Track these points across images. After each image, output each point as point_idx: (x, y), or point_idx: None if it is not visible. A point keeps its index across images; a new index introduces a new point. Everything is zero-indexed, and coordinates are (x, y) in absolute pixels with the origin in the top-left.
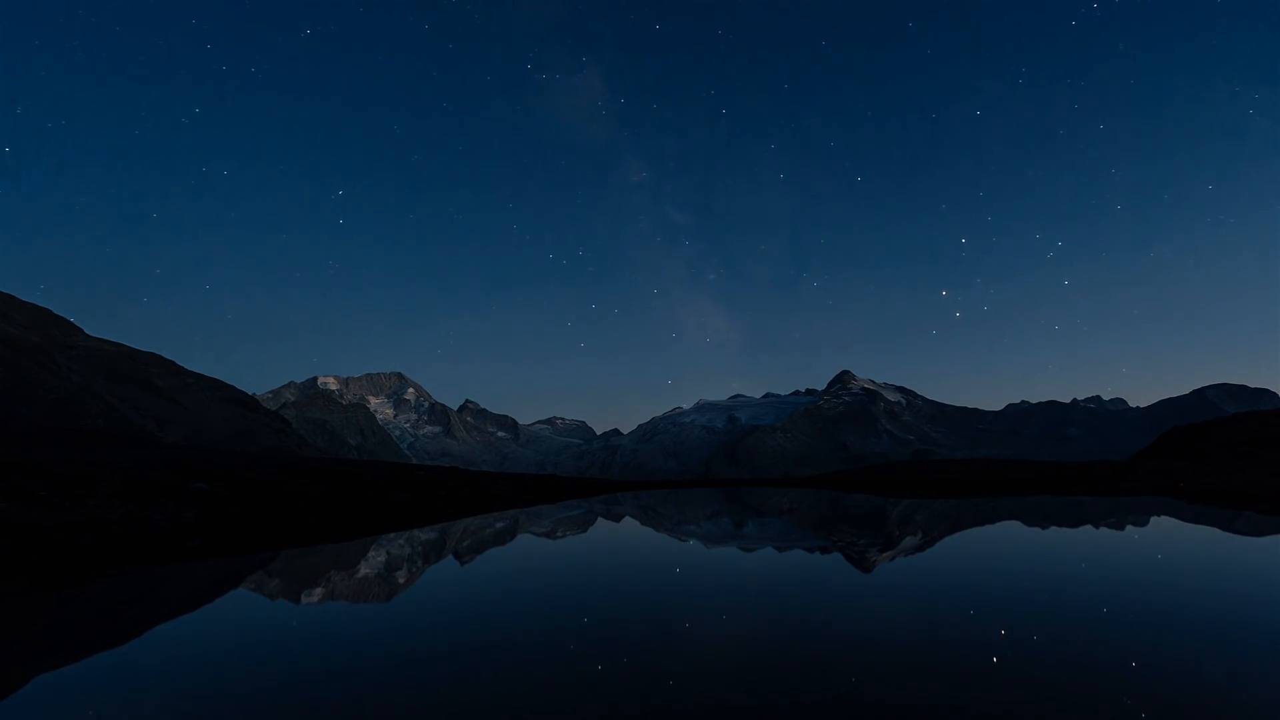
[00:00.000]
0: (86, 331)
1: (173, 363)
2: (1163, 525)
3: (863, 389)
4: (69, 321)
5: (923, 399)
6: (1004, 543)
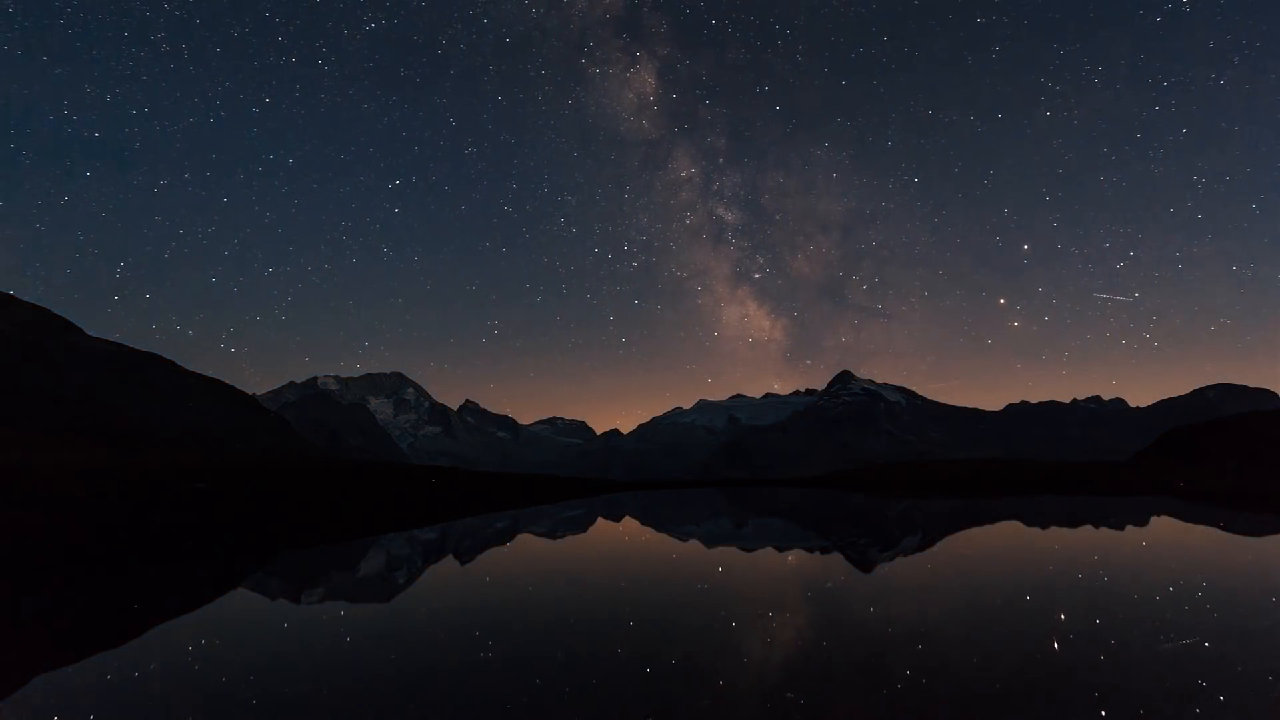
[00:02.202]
0: (87, 332)
1: (172, 363)
2: (1163, 526)
3: (863, 389)
4: (69, 321)
5: (923, 399)
6: (1005, 544)
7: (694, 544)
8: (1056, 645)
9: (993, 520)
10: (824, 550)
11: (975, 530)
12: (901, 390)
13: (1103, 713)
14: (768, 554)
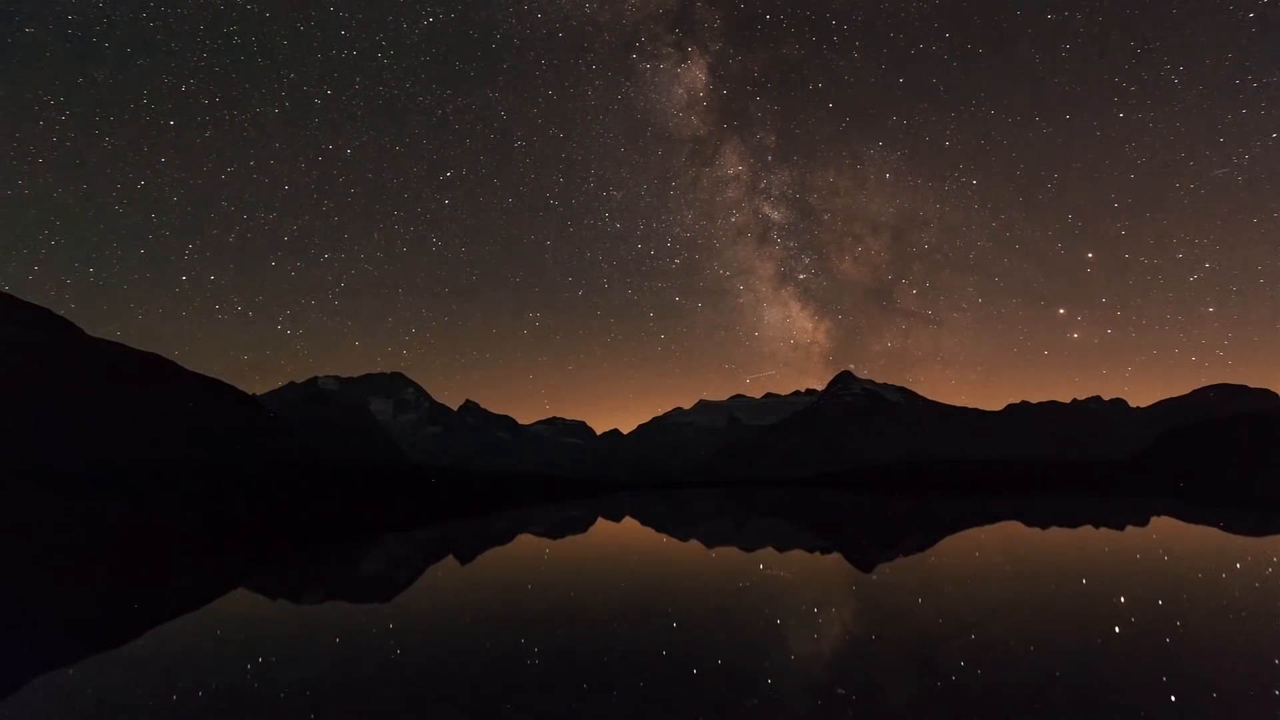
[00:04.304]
0: (87, 332)
1: (172, 362)
2: (1163, 526)
3: (863, 389)
4: (68, 321)
5: (923, 399)
6: (1006, 544)
7: (694, 544)
8: (1058, 647)
9: (993, 520)
10: (824, 551)
11: (976, 530)
12: (902, 390)
13: (1105, 713)
14: (768, 554)
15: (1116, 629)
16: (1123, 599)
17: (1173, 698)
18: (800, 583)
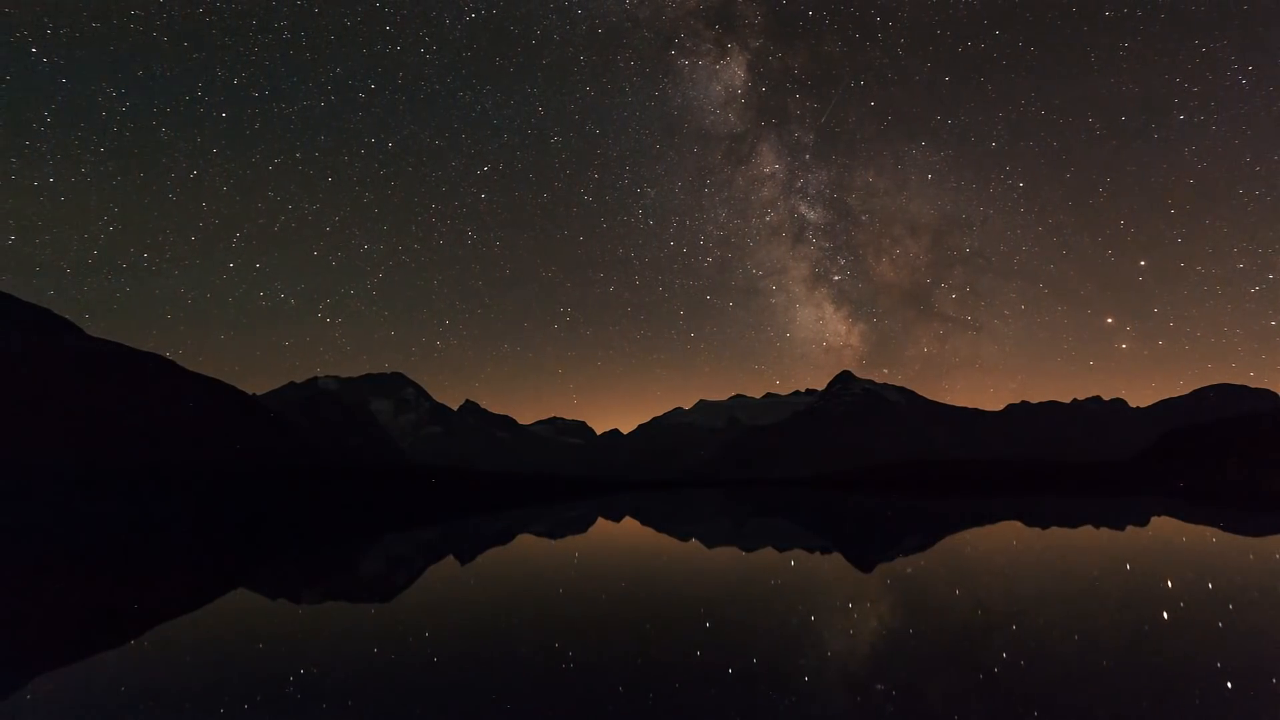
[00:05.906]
0: (87, 333)
1: (173, 363)
2: (1163, 526)
3: (863, 389)
4: (69, 322)
5: (923, 399)
6: (1006, 543)
7: (694, 544)
8: (1058, 646)
9: (994, 520)
10: (824, 551)
11: (976, 530)
12: (902, 390)
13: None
14: (768, 554)
15: (1117, 630)
16: (1123, 600)
17: (1173, 698)
18: (800, 583)
